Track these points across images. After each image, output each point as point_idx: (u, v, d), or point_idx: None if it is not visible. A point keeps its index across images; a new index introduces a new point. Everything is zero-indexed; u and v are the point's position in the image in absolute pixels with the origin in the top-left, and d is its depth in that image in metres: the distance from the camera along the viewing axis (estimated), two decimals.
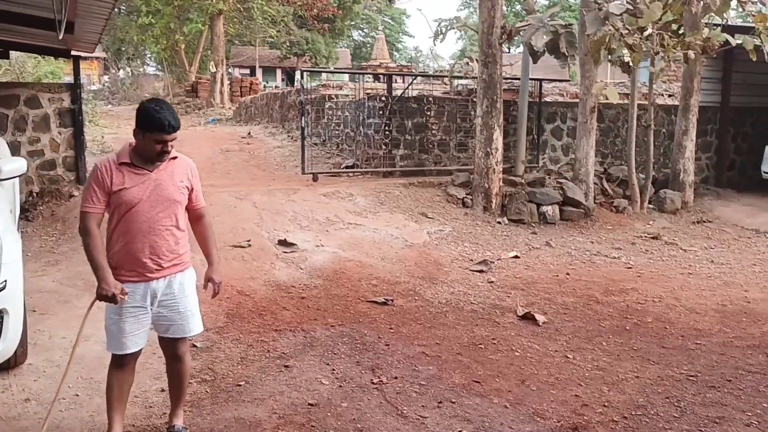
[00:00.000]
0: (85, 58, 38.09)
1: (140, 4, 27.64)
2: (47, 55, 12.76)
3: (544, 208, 9.53)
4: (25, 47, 8.19)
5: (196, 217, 3.48)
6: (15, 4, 4.99)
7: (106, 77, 39.90)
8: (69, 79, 8.79)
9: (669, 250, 8.39)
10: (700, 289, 6.65)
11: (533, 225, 9.28)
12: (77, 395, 4.05)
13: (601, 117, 11.64)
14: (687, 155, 11.16)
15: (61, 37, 4.26)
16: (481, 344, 5.07)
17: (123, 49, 35.62)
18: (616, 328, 5.46)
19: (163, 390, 4.08)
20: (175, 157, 3.33)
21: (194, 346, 4.83)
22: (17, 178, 5.62)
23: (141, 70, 40.00)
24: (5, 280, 3.82)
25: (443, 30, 9.76)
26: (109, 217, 3.23)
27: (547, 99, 12.34)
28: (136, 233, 3.18)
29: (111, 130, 16.86)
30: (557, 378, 4.46)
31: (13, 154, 6.28)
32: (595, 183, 10.42)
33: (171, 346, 3.47)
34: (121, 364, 3.32)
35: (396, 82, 14.74)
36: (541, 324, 5.52)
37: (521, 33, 8.97)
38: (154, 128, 3.10)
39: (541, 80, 11.81)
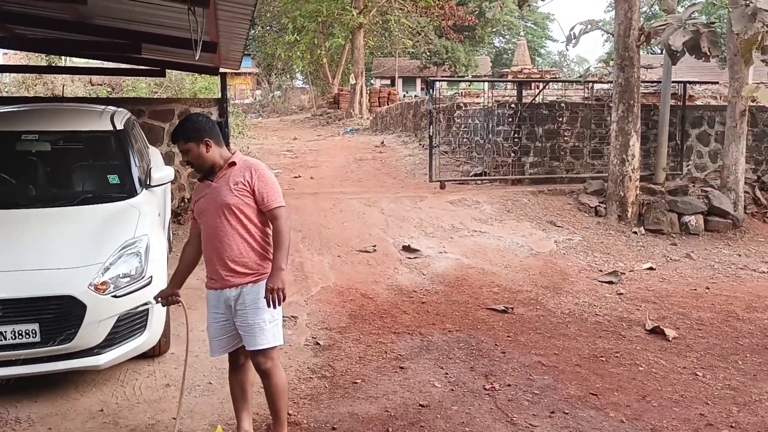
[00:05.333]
0: (239, 74, 41.01)
1: (287, 23, 29.31)
2: (198, 73, 13.91)
3: (686, 218, 8.96)
4: (179, 66, 9.01)
5: (269, 220, 3.32)
6: (167, 27, 5.58)
7: (258, 91, 42.59)
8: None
9: None
10: None
11: (673, 236, 8.76)
12: (210, 383, 4.41)
13: (754, 121, 10.76)
14: None
15: (197, 57, 4.70)
16: (602, 357, 4.90)
17: (273, 64, 37.83)
18: (756, 347, 5.06)
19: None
20: (233, 163, 3.34)
21: (317, 344, 5.10)
22: (167, 185, 6.23)
23: (289, 84, 42.24)
24: (151, 276, 4.27)
25: (576, 34, 9.49)
26: None
27: (697, 102, 11.60)
28: (206, 241, 3.39)
29: (257, 141, 18.03)
30: (682, 395, 4.22)
31: (167, 164, 6.94)
32: (746, 192, 9.64)
33: (252, 358, 3.40)
34: (230, 363, 3.54)
35: (536, 88, 14.48)
36: (670, 339, 5.23)
37: (660, 34, 8.52)
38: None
39: (685, 83, 11.13)
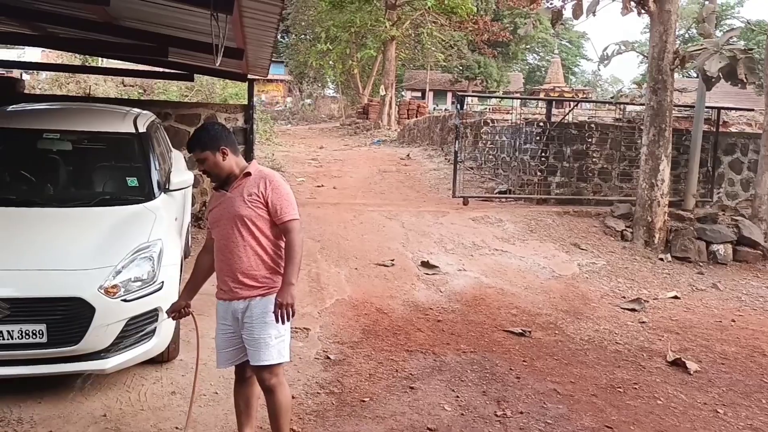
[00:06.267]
0: (271, 81, 41.38)
1: (321, 32, 29.51)
2: (226, 79, 14.01)
3: (714, 247, 8.72)
4: (207, 71, 9.05)
5: (282, 233, 3.24)
6: (194, 32, 5.59)
7: (289, 99, 42.93)
8: (254, 99, 9.63)
9: None
10: None
11: (700, 264, 8.52)
12: (216, 393, 4.34)
13: None
14: None
15: (218, 63, 4.68)
16: (620, 388, 4.74)
17: (305, 72, 38.11)
18: None
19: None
20: (248, 173, 3.28)
21: (328, 358, 5.01)
22: (188, 190, 6.21)
23: (320, 92, 42.51)
24: (162, 281, 4.23)
25: (609, 54, 9.34)
26: None
27: (731, 129, 11.33)
28: (217, 251, 3.33)
29: (284, 148, 18.08)
30: None
31: (190, 169, 6.94)
32: None
33: (256, 374, 3.33)
34: (236, 376, 3.48)
35: (567, 107, 14.32)
36: (692, 372, 5.04)
37: (695, 58, 8.34)
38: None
39: (719, 108, 10.88)
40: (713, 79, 7.96)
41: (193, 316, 3.55)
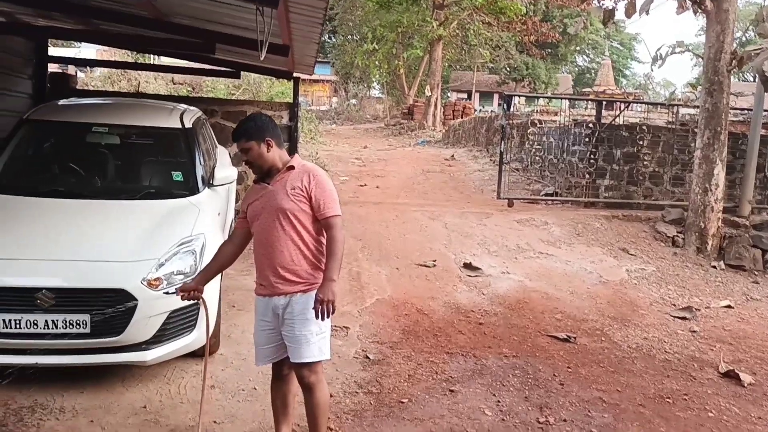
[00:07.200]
0: (317, 81, 41.70)
1: (367, 32, 29.56)
2: (272, 77, 14.09)
3: None
4: (254, 68, 9.11)
5: (324, 228, 3.21)
6: (240, 28, 5.62)
7: (335, 99, 43.17)
8: (300, 99, 9.66)
9: None
10: None
11: (755, 273, 8.19)
12: (255, 388, 4.33)
13: None
14: None
15: (262, 58, 4.68)
16: (669, 398, 4.55)
17: (351, 72, 38.27)
18: None
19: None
20: (291, 167, 3.25)
21: (367, 357, 4.95)
22: (232, 185, 6.25)
23: (365, 93, 42.62)
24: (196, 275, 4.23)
25: (662, 55, 9.06)
26: None
27: None
28: (258, 245, 3.27)
29: (328, 147, 18.15)
30: None
31: (235, 165, 6.99)
32: None
33: (296, 371, 3.30)
34: (274, 373, 3.44)
35: (617, 109, 14.00)
36: (746, 385, 4.82)
37: (753, 59, 8.00)
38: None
39: None
40: None
41: (203, 301, 3.53)
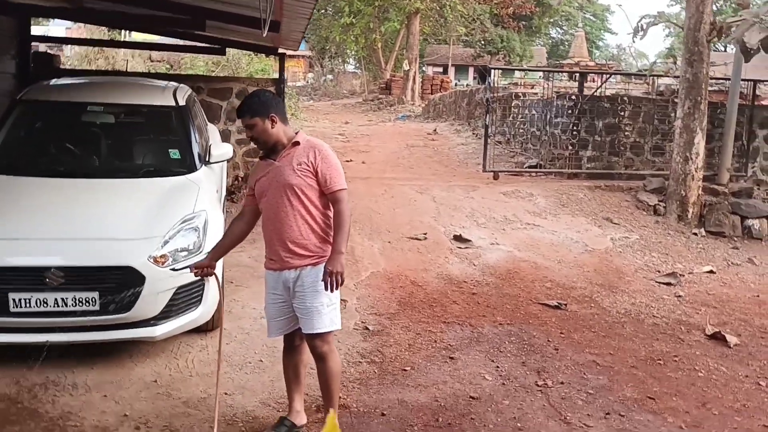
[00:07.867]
0: (292, 56, 41.23)
1: (344, 5, 29.26)
2: (257, 53, 13.96)
3: (749, 222, 8.61)
4: (239, 44, 9.03)
5: (331, 202, 3.27)
6: (230, 4, 5.59)
7: (310, 74, 42.76)
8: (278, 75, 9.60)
9: None
10: None
11: (735, 239, 8.43)
12: (261, 361, 4.43)
13: None
14: None
15: (264, 35, 4.68)
16: (659, 360, 4.75)
17: (326, 47, 37.88)
18: None
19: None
20: (297, 143, 3.29)
21: (366, 328, 5.07)
22: (224, 163, 6.27)
23: (341, 68, 42.27)
24: (208, 252, 4.28)
25: (644, 26, 9.17)
26: None
27: (764, 102, 11.11)
28: (266, 221, 3.34)
29: (309, 124, 18.09)
30: (744, 405, 4.06)
31: (223, 141, 6.99)
32: None
33: (308, 342, 3.38)
34: (285, 344, 3.53)
35: (593, 80, 14.14)
36: (732, 346, 5.04)
37: (733, 29, 8.16)
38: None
39: (755, 81, 10.65)
40: (752, 51, 7.78)
41: (217, 277, 3.59)
